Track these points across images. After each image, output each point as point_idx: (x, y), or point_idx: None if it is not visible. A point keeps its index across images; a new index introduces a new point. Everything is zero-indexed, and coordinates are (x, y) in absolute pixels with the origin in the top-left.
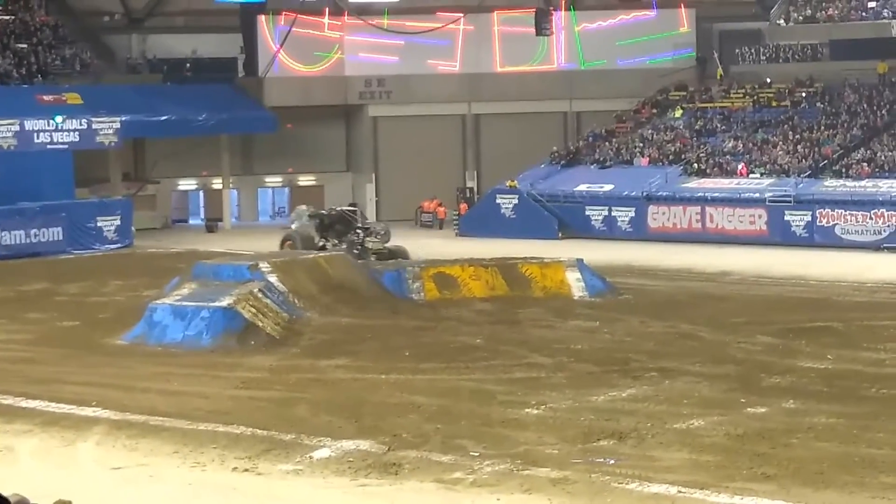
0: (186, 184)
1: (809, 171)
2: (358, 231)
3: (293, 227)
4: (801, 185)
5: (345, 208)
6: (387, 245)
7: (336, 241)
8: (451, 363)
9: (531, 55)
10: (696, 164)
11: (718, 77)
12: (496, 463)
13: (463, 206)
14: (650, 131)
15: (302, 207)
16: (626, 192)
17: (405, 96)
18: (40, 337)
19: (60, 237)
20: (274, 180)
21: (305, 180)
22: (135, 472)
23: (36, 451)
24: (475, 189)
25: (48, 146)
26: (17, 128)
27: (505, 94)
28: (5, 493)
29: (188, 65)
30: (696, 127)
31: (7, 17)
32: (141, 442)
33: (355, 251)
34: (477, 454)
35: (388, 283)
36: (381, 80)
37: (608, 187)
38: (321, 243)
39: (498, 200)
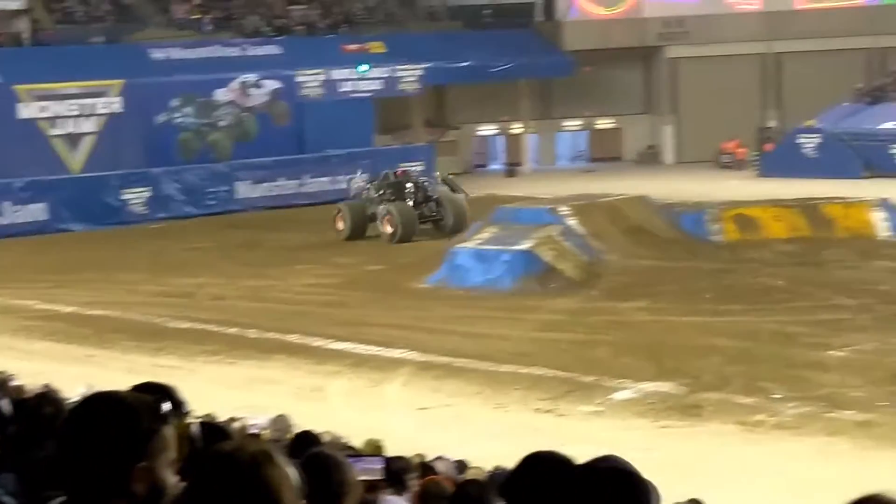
0: (486, 129)
1: None
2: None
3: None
4: None
5: (406, 175)
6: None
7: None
8: (752, 305)
9: None
10: None
11: None
12: (799, 405)
13: (768, 145)
14: None
15: (359, 179)
16: None
17: (704, 37)
18: (347, 281)
19: None
20: (572, 124)
21: (603, 123)
22: (440, 413)
23: (345, 391)
24: (777, 129)
25: (352, 95)
26: (323, 77)
27: (806, 32)
28: (316, 431)
29: (487, 11)
30: None
31: None
32: (445, 383)
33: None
34: (779, 397)
35: (686, 224)
36: (680, 21)
37: None
38: (371, 212)
39: (799, 140)
